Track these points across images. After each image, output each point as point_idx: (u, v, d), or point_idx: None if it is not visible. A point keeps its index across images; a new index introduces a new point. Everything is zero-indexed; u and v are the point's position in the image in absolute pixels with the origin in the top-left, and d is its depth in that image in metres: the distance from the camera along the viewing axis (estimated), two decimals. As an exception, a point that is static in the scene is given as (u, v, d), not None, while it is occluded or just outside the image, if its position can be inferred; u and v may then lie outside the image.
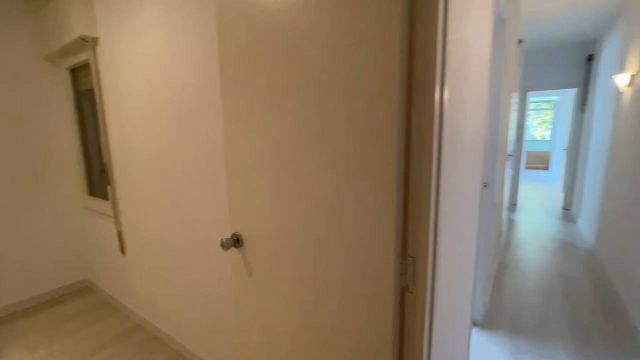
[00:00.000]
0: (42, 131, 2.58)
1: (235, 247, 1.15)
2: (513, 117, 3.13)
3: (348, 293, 0.85)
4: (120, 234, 2.33)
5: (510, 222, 4.57)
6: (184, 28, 1.46)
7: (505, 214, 3.79)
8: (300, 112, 0.86)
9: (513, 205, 5.52)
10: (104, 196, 2.46)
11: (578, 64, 4.65)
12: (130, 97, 1.91)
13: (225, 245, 1.10)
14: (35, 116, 2.54)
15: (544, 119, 10.11)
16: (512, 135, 3.19)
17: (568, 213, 5.01)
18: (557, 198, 6.05)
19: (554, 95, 8.44)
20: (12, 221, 2.50)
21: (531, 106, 9.73)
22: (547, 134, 10.03)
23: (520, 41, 2.93)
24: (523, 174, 7.83)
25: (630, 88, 2.74)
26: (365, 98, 0.73)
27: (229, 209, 1.17)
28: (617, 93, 3.08)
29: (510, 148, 3.00)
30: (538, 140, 10.13)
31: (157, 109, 1.73)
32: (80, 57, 2.24)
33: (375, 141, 0.73)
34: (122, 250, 2.35)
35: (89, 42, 2.06)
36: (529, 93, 5.23)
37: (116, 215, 2.30)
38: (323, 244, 0.88)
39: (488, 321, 2.25)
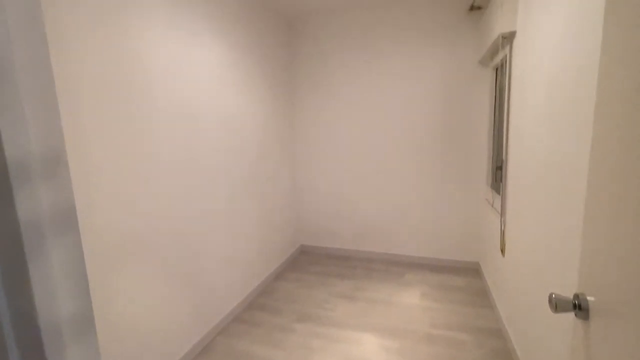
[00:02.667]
0: (467, 123, 3.03)
1: (577, 316, 0.74)
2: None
3: None
4: (502, 234, 2.26)
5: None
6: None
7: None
8: None
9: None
10: (498, 191, 2.48)
11: None
12: (531, 96, 1.70)
13: (553, 305, 0.75)
14: (467, 111, 3.01)
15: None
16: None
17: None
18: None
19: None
20: (437, 197, 3.24)
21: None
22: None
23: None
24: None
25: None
26: None
27: (581, 256, 0.76)
28: None
29: None
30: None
31: (555, 111, 1.42)
32: (500, 56, 2.30)
33: None
34: (502, 250, 2.28)
35: (506, 38, 2.06)
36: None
37: (502, 214, 2.25)
38: None
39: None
